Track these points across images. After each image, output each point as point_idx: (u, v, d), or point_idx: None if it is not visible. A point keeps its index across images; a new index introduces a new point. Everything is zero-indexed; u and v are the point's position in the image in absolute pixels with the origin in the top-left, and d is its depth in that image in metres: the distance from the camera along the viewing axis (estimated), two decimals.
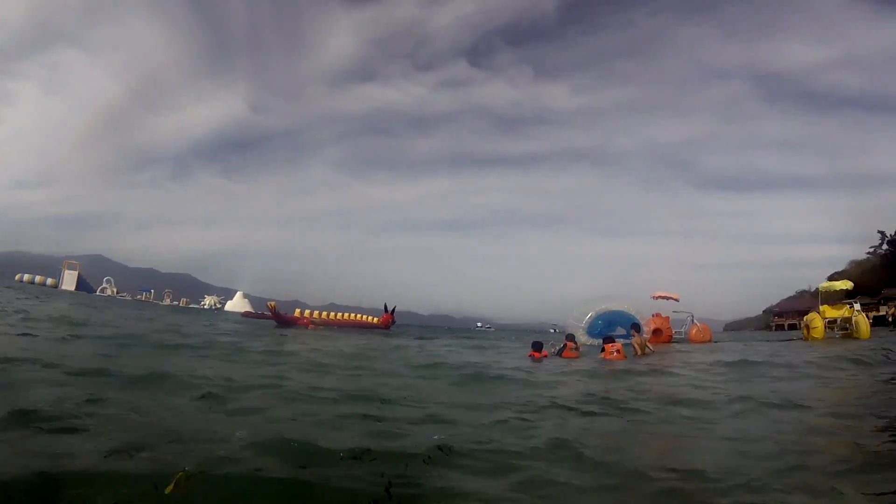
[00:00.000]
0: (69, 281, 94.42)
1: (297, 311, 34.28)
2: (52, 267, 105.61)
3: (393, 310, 38.93)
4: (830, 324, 27.35)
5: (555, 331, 26.68)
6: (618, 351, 13.80)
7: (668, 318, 27.89)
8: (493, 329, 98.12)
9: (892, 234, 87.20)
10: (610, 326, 25.10)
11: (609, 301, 26.66)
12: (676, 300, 30.02)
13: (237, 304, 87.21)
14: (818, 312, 27.98)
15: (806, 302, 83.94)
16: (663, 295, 29.92)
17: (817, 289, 31.37)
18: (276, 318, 31.93)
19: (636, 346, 16.35)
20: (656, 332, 25.74)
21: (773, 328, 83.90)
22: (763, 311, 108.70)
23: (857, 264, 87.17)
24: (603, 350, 14.31)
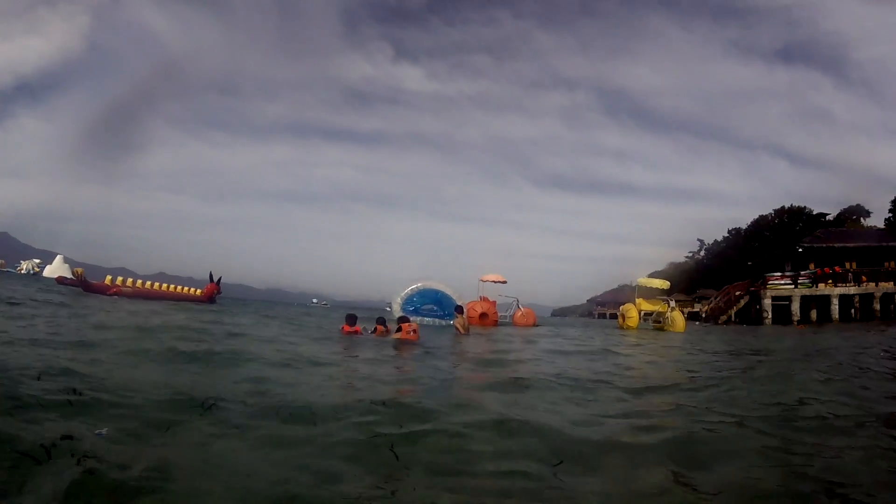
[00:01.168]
0: None
1: (108, 278, 31.33)
2: None
3: (218, 280, 36.50)
4: (646, 316, 29.53)
5: (389, 309, 26.43)
6: (414, 331, 13.10)
7: (494, 302, 28.70)
8: (328, 305, 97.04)
9: (710, 243, 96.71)
10: (424, 303, 25.33)
11: (431, 280, 26.62)
12: (504, 283, 30.80)
13: (57, 268, 80.00)
14: (634, 304, 29.88)
15: (626, 295, 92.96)
16: (492, 278, 30.48)
17: (636, 283, 33.11)
18: (82, 284, 29.28)
19: (459, 326, 16.62)
20: (482, 315, 26.28)
21: (596, 316, 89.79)
22: (587, 300, 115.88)
23: (674, 266, 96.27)
24: (399, 330, 13.17)
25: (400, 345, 11.94)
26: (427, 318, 23.91)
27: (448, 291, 25.70)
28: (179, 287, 35.20)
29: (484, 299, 28.34)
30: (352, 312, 14.86)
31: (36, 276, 78.27)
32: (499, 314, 28.35)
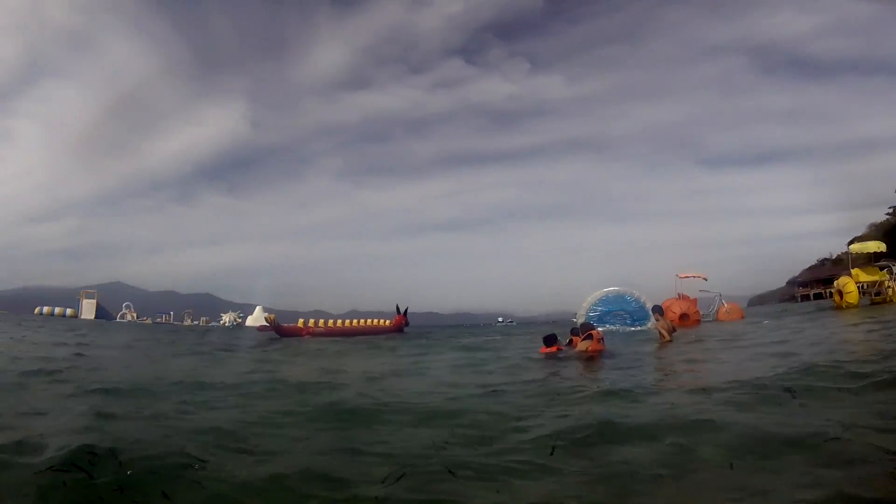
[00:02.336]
0: (88, 310, 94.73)
1: (301, 321, 32.88)
2: (70, 298, 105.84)
3: (405, 311, 37.48)
4: (867, 288, 25.47)
5: (576, 320, 25.20)
6: (600, 340, 11.72)
7: (695, 300, 26.19)
8: (514, 323, 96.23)
9: None
10: (609, 310, 23.49)
11: (613, 286, 24.89)
12: (704, 279, 28.22)
13: (257, 318, 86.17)
14: (850, 276, 25.96)
15: (828, 270, 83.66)
16: (692, 275, 27.98)
17: (846, 252, 29.27)
18: (276, 329, 30.87)
19: (663, 330, 14.22)
20: (683, 316, 23.90)
21: (799, 299, 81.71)
22: (787, 283, 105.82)
23: (876, 227, 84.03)
24: (589, 338, 11.54)
25: (586, 357, 11.05)
26: (612, 326, 22.35)
27: (634, 295, 23.88)
28: (367, 320, 36.33)
29: (683, 297, 25.97)
30: (550, 333, 13.31)
31: (238, 326, 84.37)
32: (701, 312, 25.97)
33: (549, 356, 11.96)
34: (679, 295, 25.89)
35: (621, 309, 23.49)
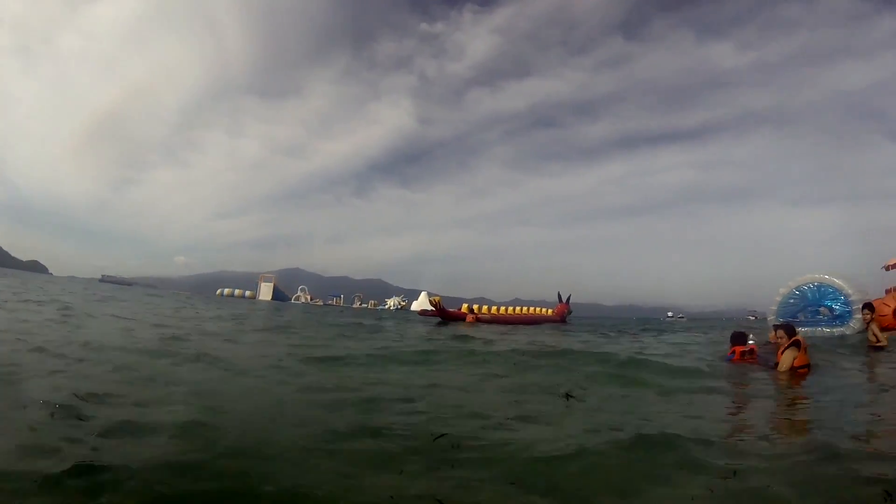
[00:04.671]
0: (265, 292, 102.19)
1: (465, 306, 32.12)
2: (253, 282, 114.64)
3: (567, 299, 35.72)
4: None
5: (754, 318, 21.81)
6: (807, 350, 8.46)
7: None
8: (684, 319, 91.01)
9: None
10: (808, 305, 19.12)
11: (815, 273, 19.96)
12: None
13: (422, 302, 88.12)
14: None
15: None
16: None
17: None
18: (440, 313, 30.19)
19: (877, 332, 11.17)
20: None
21: None
22: None
23: None
24: (796, 346, 8.29)
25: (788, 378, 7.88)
26: (809, 328, 18.22)
27: (845, 286, 19.12)
28: (532, 308, 34.91)
29: (894, 290, 20.35)
30: (740, 330, 10.39)
31: (403, 309, 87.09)
32: None
33: (735, 360, 9.33)
34: (888, 291, 20.44)
35: (824, 304, 19.16)
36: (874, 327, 11.50)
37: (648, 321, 53.60)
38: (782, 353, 8.26)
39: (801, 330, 17.60)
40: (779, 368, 8.17)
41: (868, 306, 12.93)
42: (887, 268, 22.68)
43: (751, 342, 9.68)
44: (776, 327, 9.92)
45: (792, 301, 19.50)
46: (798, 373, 8.00)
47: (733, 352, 9.50)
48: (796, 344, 8.19)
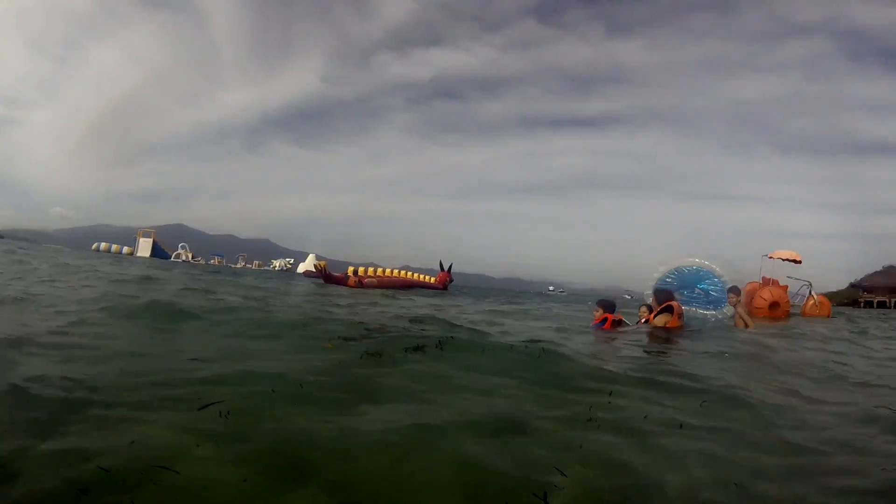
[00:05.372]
0: (144, 248, 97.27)
1: (351, 269, 31.38)
2: (133, 237, 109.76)
3: (450, 268, 35.81)
4: None
5: (630, 297, 22.62)
6: (680, 316, 8.64)
7: (786, 286, 22.17)
8: (564, 293, 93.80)
9: None
10: (684, 285, 20.01)
11: (692, 257, 20.79)
12: (798, 262, 23.88)
13: (308, 265, 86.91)
14: None
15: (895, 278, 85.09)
16: (784, 255, 23.65)
17: None
18: (323, 276, 29.46)
19: (743, 316, 11.08)
20: (773, 305, 20.31)
21: (862, 304, 75.80)
22: (849, 285, 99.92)
23: None
24: (668, 311, 8.65)
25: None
26: (683, 308, 18.95)
27: (717, 272, 20.10)
28: (414, 274, 34.71)
29: (773, 282, 22.07)
30: (606, 298, 9.91)
31: (289, 272, 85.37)
32: (791, 303, 22.21)
33: (604, 330, 8.69)
34: (763, 279, 22.15)
35: (700, 286, 20.06)
36: (741, 310, 11.36)
37: (529, 294, 54.26)
38: (654, 316, 8.27)
39: (686, 309, 18.20)
40: (652, 324, 8.28)
41: (733, 290, 12.97)
42: (770, 257, 24.03)
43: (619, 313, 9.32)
44: (653, 294, 9.89)
45: (669, 280, 20.25)
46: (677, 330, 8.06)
47: (604, 318, 8.83)
48: (669, 309, 8.18)
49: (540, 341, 6.30)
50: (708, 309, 18.48)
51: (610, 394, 4.02)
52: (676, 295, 19.38)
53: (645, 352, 6.82)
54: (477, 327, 8.16)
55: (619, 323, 8.91)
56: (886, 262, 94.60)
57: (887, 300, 76.95)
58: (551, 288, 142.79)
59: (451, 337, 5.98)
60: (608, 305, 9.16)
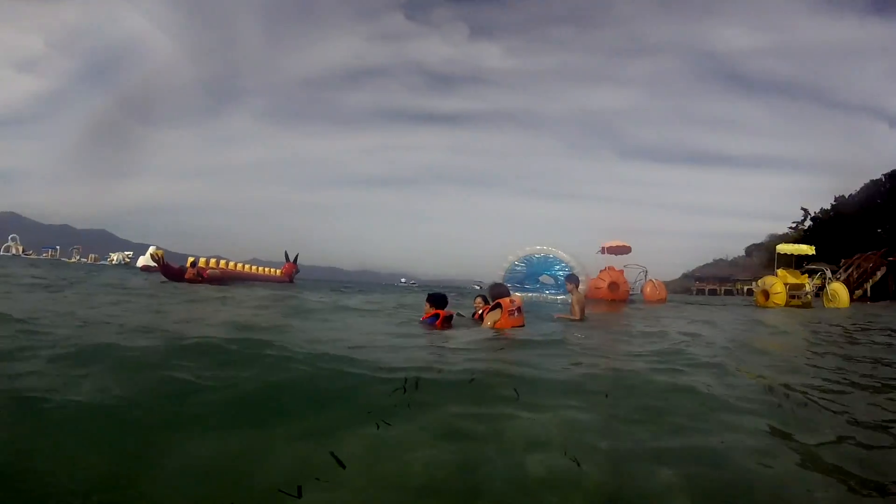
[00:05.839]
0: None
1: (190, 259, 29.39)
2: None
3: (295, 259, 34.79)
4: (792, 291, 24.87)
5: (480, 287, 23.36)
6: (518, 310, 8.31)
7: (622, 270, 23.87)
8: (416, 284, 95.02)
9: (816, 212, 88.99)
10: (534, 273, 20.82)
11: (543, 246, 21.68)
12: (628, 251, 25.53)
13: (148, 258, 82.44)
14: (776, 277, 25.29)
15: (723, 269, 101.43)
16: (615, 245, 25.26)
17: (777, 250, 28.18)
18: (162, 269, 27.39)
19: (575, 305, 10.95)
20: (612, 286, 21.83)
21: (694, 292, 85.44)
22: (682, 276, 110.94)
23: (776, 238, 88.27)
24: (497, 308, 8.19)
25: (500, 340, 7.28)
26: (534, 292, 19.84)
27: (563, 258, 21.05)
28: (257, 268, 33.40)
29: (610, 268, 23.61)
30: (438, 292, 9.26)
31: (127, 265, 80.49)
32: (629, 285, 23.90)
33: (434, 326, 8.29)
34: (607, 266, 23.76)
35: (548, 272, 20.89)
36: (575, 299, 11.16)
37: (376, 286, 53.80)
38: (488, 313, 8.19)
39: (529, 294, 18.68)
40: (483, 326, 8.10)
41: (570, 278, 13.22)
42: (602, 251, 25.68)
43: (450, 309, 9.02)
44: (488, 289, 9.48)
45: (520, 268, 21.01)
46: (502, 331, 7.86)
47: (435, 314, 8.36)
48: (499, 306, 8.09)
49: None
50: (558, 293, 19.48)
51: None
52: (527, 283, 20.19)
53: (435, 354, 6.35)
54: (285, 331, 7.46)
55: (450, 318, 8.70)
56: (716, 256, 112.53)
57: (717, 288, 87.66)
58: (403, 280, 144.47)
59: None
60: (438, 300, 8.64)
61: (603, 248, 24.86)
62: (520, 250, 21.39)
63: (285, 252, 35.10)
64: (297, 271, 34.99)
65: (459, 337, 7.18)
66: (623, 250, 25.15)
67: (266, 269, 33.80)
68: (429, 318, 8.38)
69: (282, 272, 33.68)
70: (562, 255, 20.98)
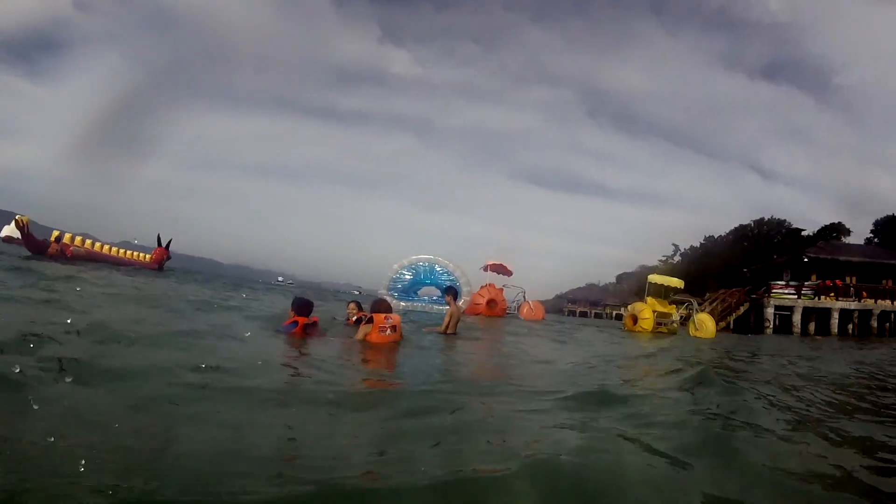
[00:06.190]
0: None
1: (55, 233, 27.12)
2: None
3: (168, 244, 32.38)
4: (659, 319, 26.19)
5: (359, 293, 22.94)
6: (393, 328, 7.90)
7: (501, 289, 24.46)
8: (293, 284, 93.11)
9: (686, 248, 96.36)
10: (420, 283, 20.62)
11: (430, 255, 21.60)
12: (510, 274, 26.29)
13: (13, 229, 75.62)
14: (646, 304, 26.46)
15: (595, 293, 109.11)
16: (498, 265, 25.99)
17: (649, 280, 29.47)
18: (26, 241, 25.13)
19: (447, 318, 10.82)
20: (490, 303, 22.30)
21: (566, 313, 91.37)
22: (555, 297, 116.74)
23: (647, 269, 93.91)
24: (369, 322, 7.81)
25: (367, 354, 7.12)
26: (419, 302, 19.64)
27: (449, 268, 20.92)
28: (125, 251, 31.09)
29: (490, 286, 24.15)
30: (303, 297, 8.75)
31: None
32: (507, 302, 24.43)
33: (294, 334, 7.75)
34: (485, 285, 24.14)
35: (433, 282, 20.68)
36: (449, 312, 11.01)
37: (259, 283, 51.79)
38: (362, 326, 7.81)
39: (416, 304, 18.37)
40: (356, 337, 7.67)
41: (448, 290, 12.87)
42: (485, 268, 26.16)
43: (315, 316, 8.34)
44: (374, 305, 8.92)
45: (407, 276, 20.68)
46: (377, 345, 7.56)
47: (295, 321, 7.86)
48: (370, 320, 7.70)
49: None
50: (444, 304, 19.26)
51: None
52: (412, 292, 19.91)
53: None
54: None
55: (313, 326, 8.15)
56: (588, 280, 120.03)
57: (588, 310, 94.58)
58: (280, 278, 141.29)
59: None
60: (301, 306, 8.18)
61: (487, 265, 25.35)
62: (405, 259, 21.10)
63: (157, 236, 32.68)
64: (168, 258, 32.71)
65: (298, 346, 7.05)
66: (505, 271, 25.87)
67: (135, 254, 31.43)
68: (288, 324, 7.90)
69: (151, 258, 31.33)
70: (449, 265, 20.93)
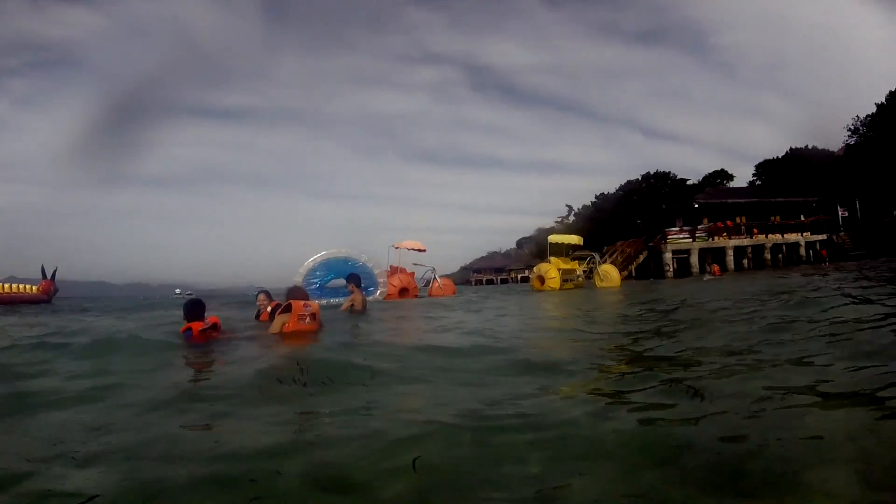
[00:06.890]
0: None
1: None
2: None
3: (53, 275, 30.65)
4: (565, 276, 27.66)
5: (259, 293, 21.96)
6: (313, 315, 7.59)
7: (412, 273, 24.50)
8: (193, 295, 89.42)
9: (579, 208, 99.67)
10: (331, 277, 20.43)
11: (339, 248, 21.40)
12: (423, 251, 26.17)
13: None
14: (550, 263, 27.86)
15: (497, 261, 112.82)
16: (409, 245, 25.69)
17: (549, 240, 30.47)
18: None
19: (349, 303, 11.41)
20: (402, 291, 22.19)
21: (473, 283, 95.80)
22: (460, 269, 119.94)
23: (542, 231, 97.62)
24: (287, 311, 7.53)
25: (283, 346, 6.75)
26: (333, 298, 19.41)
27: (364, 261, 20.74)
28: (10, 286, 29.15)
29: (401, 270, 23.92)
30: (196, 298, 8.13)
31: None
32: (418, 286, 24.40)
33: (195, 339, 7.19)
34: (391, 267, 23.68)
35: (342, 275, 20.51)
36: (354, 297, 11.61)
37: (157, 300, 48.98)
38: (278, 315, 7.48)
39: (334, 301, 18.13)
40: (269, 331, 7.35)
41: (352, 278, 12.62)
42: (396, 247, 25.66)
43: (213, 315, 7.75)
44: (286, 293, 8.68)
45: (319, 273, 20.31)
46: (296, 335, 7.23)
47: (189, 328, 7.24)
48: (287, 308, 7.40)
49: None
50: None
51: None
52: (327, 287, 19.68)
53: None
54: None
55: (213, 328, 7.61)
56: (490, 249, 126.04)
57: (493, 278, 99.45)
58: (178, 291, 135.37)
59: None
60: (190, 310, 7.52)
61: (396, 247, 25.14)
62: (317, 255, 20.79)
63: (41, 267, 30.85)
64: (56, 290, 30.95)
65: (197, 355, 6.42)
66: (417, 251, 25.86)
67: (22, 287, 29.48)
68: (184, 332, 7.26)
69: (38, 290, 29.59)
70: (362, 256, 20.80)
